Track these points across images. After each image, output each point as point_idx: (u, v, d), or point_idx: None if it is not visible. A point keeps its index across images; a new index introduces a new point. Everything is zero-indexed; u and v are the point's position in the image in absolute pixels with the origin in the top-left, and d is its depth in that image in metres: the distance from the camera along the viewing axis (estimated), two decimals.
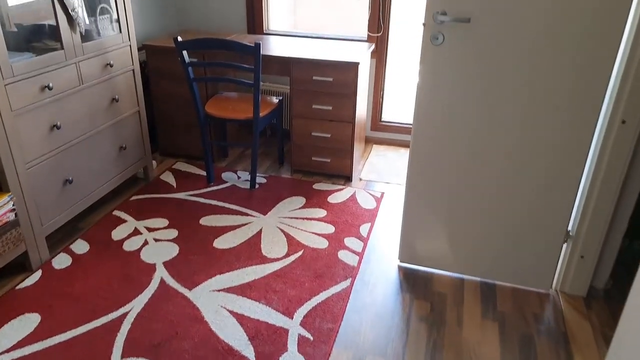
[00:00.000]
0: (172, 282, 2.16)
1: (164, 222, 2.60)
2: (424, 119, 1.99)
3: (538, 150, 1.90)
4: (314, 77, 2.87)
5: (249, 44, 2.58)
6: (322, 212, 2.72)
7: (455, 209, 2.10)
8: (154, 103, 3.22)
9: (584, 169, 1.89)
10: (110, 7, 2.54)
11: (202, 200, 2.82)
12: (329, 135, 3.00)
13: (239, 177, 3.11)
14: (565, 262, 2.08)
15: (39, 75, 2.12)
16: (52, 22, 2.20)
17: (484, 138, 1.94)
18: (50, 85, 2.17)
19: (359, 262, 2.31)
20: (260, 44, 2.55)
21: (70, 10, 2.21)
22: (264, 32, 3.58)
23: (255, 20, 3.53)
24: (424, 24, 1.85)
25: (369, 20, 3.31)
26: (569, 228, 2.05)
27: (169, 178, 3.07)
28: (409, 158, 2.09)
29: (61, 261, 2.28)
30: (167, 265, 2.27)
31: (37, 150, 2.16)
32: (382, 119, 3.64)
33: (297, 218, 2.66)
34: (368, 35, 3.35)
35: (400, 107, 4.25)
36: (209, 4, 3.53)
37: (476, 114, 1.92)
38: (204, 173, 3.14)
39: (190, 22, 3.63)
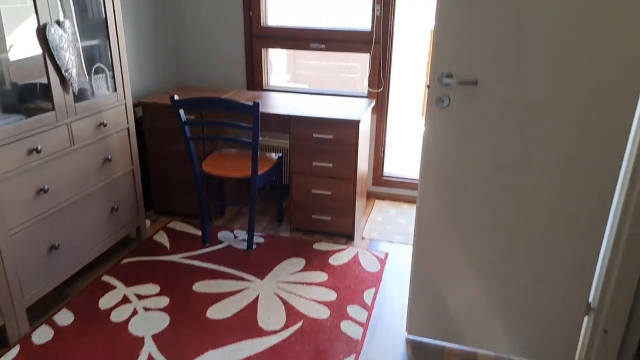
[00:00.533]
0: (160, 359, 1.98)
1: (155, 288, 2.45)
2: (431, 181, 1.88)
3: (552, 215, 1.78)
4: (314, 135, 2.80)
5: (247, 103, 2.52)
6: (323, 276, 2.57)
7: (468, 277, 1.96)
8: (150, 160, 3.13)
9: (603, 236, 1.77)
10: (106, 67, 2.50)
11: (196, 263, 2.68)
12: (329, 193, 2.90)
13: (235, 237, 2.97)
14: (588, 336, 1.91)
15: (27, 137, 2.03)
16: (45, 80, 2.13)
17: (495, 202, 1.83)
18: (39, 148, 2.08)
19: (364, 335, 2.14)
20: (259, 103, 2.48)
21: (63, 71, 2.15)
22: (264, 88, 3.54)
23: (255, 77, 3.50)
24: (428, 86, 1.77)
25: (369, 77, 3.27)
26: (590, 300, 1.90)
27: (162, 238, 2.94)
28: (415, 221, 1.97)
29: (42, 335, 2.12)
30: (157, 338, 2.10)
31: (21, 216, 2.04)
32: (384, 174, 3.55)
33: (296, 283, 2.51)
34: (368, 91, 3.31)
35: (402, 159, 4.18)
36: (209, 60, 3.52)
37: (485, 178, 1.81)
38: (199, 232, 3.01)
39: (189, 78, 3.60)
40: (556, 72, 1.61)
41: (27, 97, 2.22)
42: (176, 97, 2.58)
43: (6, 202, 1.96)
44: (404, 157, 4.34)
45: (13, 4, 2.06)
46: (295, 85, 4.95)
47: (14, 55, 2.10)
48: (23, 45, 2.11)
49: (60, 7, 2.12)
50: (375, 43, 3.16)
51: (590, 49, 1.56)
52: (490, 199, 1.83)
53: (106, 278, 2.53)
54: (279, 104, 3.02)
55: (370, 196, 3.55)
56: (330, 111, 2.85)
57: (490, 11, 1.61)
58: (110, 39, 2.45)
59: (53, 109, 2.16)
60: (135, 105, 3.02)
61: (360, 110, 2.88)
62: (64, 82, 2.18)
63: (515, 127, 1.71)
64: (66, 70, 2.16)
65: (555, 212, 1.77)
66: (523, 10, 1.58)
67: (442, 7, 1.66)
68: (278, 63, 5.01)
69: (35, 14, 2.02)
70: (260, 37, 3.39)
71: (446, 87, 1.72)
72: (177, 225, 3.10)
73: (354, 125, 2.73)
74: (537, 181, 1.76)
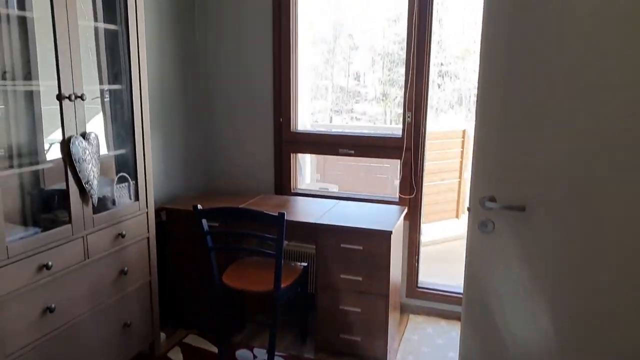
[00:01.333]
0: None
1: None
2: (475, 309, 1.64)
3: (612, 348, 1.49)
4: (342, 245, 2.61)
5: (272, 213, 2.39)
6: None
7: None
8: (169, 267, 2.98)
9: None
10: (130, 175, 2.44)
11: None
12: (359, 310, 2.64)
13: (255, 357, 2.70)
14: None
15: (38, 253, 1.92)
16: (64, 187, 2.07)
17: (549, 334, 1.56)
18: (50, 264, 1.96)
19: None
20: (284, 214, 2.35)
21: (83, 183, 2.09)
22: (292, 191, 3.44)
23: (283, 181, 3.42)
24: (469, 209, 1.60)
25: (400, 183, 3.14)
26: None
27: (177, 356, 2.70)
28: (459, 356, 1.70)
29: None
30: None
31: (21, 340, 1.88)
32: (419, 284, 3.28)
33: None
34: (399, 196, 3.15)
35: (437, 264, 3.91)
36: (238, 165, 3.47)
37: (538, 308, 1.56)
38: (216, 350, 2.75)
39: (217, 181, 3.55)
40: (618, 196, 1.41)
41: (47, 204, 2.16)
42: (199, 206, 2.48)
43: (7, 325, 1.81)
44: (439, 262, 4.08)
45: (54, 105, 2.05)
46: (324, 185, 4.88)
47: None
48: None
49: (86, 120, 2.11)
50: (407, 150, 3.06)
51: None
52: (543, 331, 1.56)
53: None
54: (306, 210, 2.89)
55: (404, 310, 3.25)
56: (360, 219, 2.69)
57: (538, 127, 1.47)
58: (136, 148, 2.42)
59: (70, 222, 2.07)
60: (159, 210, 2.94)
61: (392, 219, 2.70)
62: (83, 193, 2.12)
63: (571, 255, 1.49)
64: (87, 182, 2.10)
65: (614, 342, 1.48)
66: (580, 124, 1.43)
67: (482, 122, 1.53)
68: (307, 162, 4.99)
69: (61, 128, 2.01)
70: (289, 142, 3.36)
71: (489, 211, 1.54)
72: (194, 341, 2.86)
73: (385, 236, 2.54)
74: (596, 313, 1.49)
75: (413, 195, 3.12)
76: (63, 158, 2.03)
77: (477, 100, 1.53)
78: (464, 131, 4.90)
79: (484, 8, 1.49)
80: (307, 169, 5.07)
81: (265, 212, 2.42)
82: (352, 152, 3.20)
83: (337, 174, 4.97)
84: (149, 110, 2.50)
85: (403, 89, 3.02)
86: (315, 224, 2.66)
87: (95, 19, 2.30)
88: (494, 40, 1.48)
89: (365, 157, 3.23)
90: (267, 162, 3.42)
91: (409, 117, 3.03)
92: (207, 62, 3.40)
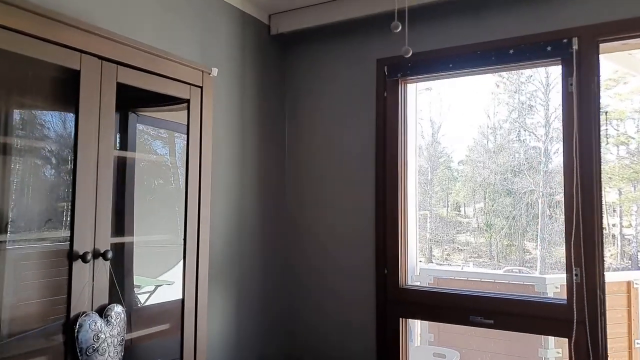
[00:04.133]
0: None
1: None
2: None
3: None
4: None
5: None
6: None
7: None
8: None
9: None
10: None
11: None
12: None
13: None
14: None
15: None
16: None
17: None
18: None
19: None
20: None
21: None
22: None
23: (389, 355, 2.49)
24: None
25: None
26: None
27: None
28: None
29: None
30: None
31: None
32: None
33: None
34: None
35: None
36: (329, 332, 2.64)
37: None
38: None
39: (302, 349, 2.72)
40: None
41: None
42: None
43: None
44: None
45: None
46: (439, 350, 3.80)
47: None
48: None
49: (109, 291, 1.47)
50: (579, 323, 2.03)
51: None
52: None
53: None
54: None
55: None
56: None
57: None
58: (185, 325, 1.71)
59: None
60: None
61: None
62: None
63: None
64: None
65: None
66: None
67: None
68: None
69: (67, 302, 1.37)
70: (397, 303, 2.48)
71: None
72: None
73: None
74: None
75: None
76: (64, 346, 1.37)
77: None
78: (629, 283, 3.68)
79: None
80: (416, 326, 4.06)
81: None
82: (491, 322, 2.22)
83: (457, 335, 3.89)
84: (214, 262, 1.86)
85: (565, 242, 2.09)
86: None
87: (145, 151, 1.80)
88: None
89: (510, 330, 2.23)
90: (368, 328, 2.54)
91: (576, 275, 2.05)
92: (297, 211, 2.80)
